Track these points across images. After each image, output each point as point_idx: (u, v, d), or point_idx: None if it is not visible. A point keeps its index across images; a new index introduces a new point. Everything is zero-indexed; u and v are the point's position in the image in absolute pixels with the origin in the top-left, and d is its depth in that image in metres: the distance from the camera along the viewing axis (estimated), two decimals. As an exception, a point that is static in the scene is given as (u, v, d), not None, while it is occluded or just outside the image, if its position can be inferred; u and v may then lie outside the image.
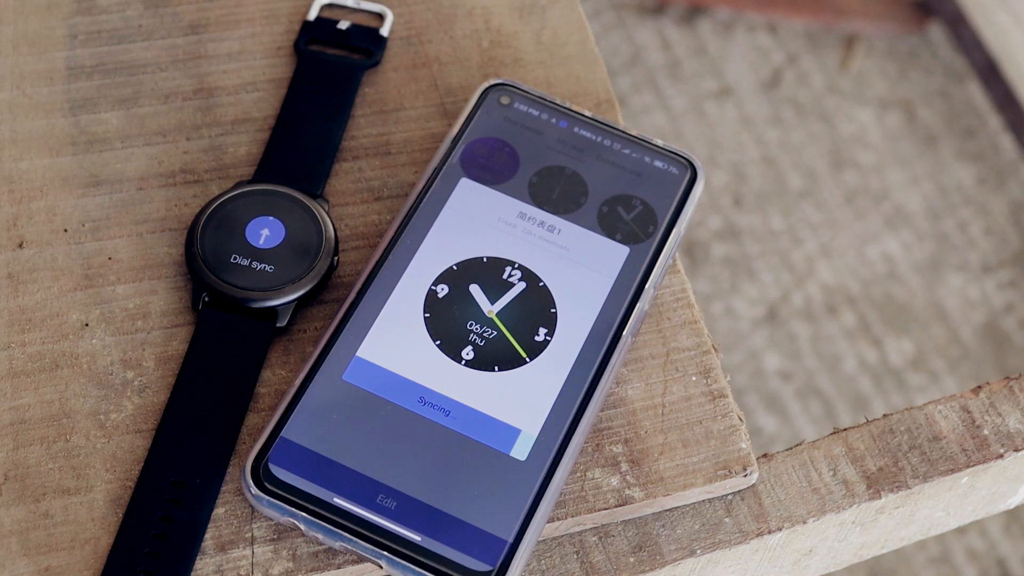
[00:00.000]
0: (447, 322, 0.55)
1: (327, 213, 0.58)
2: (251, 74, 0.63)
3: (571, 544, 0.54)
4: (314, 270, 0.56)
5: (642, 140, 0.61)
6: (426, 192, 0.58)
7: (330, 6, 0.65)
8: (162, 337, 0.56)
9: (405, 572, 0.50)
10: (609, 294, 0.56)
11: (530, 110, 0.61)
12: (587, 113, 0.61)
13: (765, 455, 0.57)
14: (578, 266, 0.57)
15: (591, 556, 0.53)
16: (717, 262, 0.64)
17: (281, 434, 0.52)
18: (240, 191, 0.58)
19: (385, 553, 0.50)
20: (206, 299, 0.56)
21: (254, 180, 0.59)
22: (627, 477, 0.54)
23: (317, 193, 0.59)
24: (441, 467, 0.51)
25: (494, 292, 0.56)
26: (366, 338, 0.54)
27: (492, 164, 0.60)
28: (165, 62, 0.63)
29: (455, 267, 0.57)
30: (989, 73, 0.71)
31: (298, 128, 0.60)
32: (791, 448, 0.58)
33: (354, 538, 0.50)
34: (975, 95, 0.73)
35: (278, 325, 0.55)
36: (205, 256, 0.56)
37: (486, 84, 0.62)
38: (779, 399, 0.60)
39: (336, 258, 0.57)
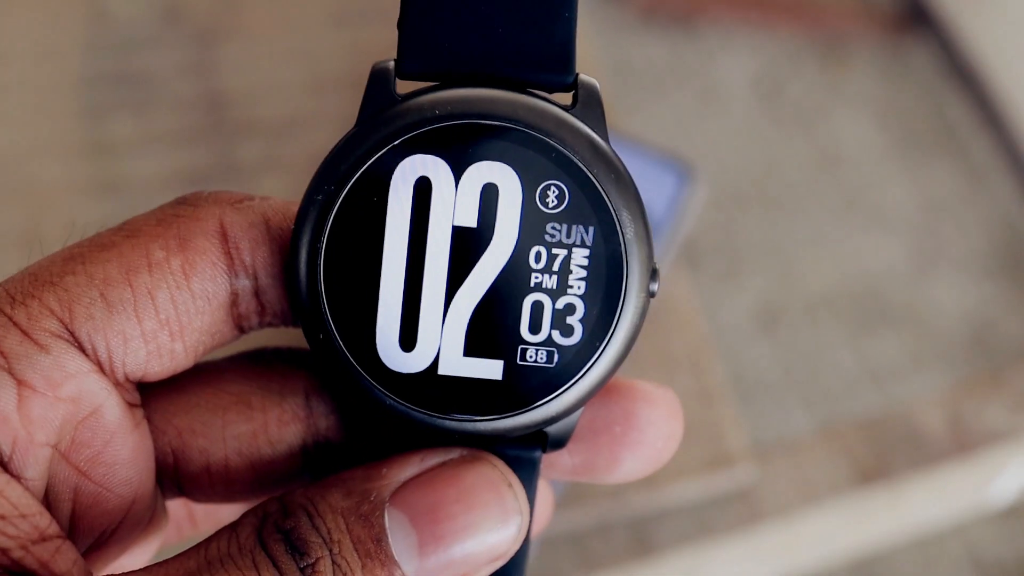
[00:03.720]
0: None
1: None
2: (262, 81, 0.64)
3: (570, 541, 0.55)
4: None
5: (639, 143, 0.62)
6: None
7: None
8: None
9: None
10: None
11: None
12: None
13: (758, 452, 0.58)
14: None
15: (590, 552, 0.54)
16: (714, 263, 0.65)
17: None
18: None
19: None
20: None
21: None
22: (626, 474, 0.55)
23: None
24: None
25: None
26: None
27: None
28: (177, 70, 0.64)
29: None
30: (977, 80, 0.73)
31: None
32: (784, 445, 0.59)
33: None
34: (963, 100, 0.74)
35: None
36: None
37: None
38: (774, 397, 0.61)
39: None
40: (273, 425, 0.29)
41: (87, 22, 0.65)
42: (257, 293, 0.28)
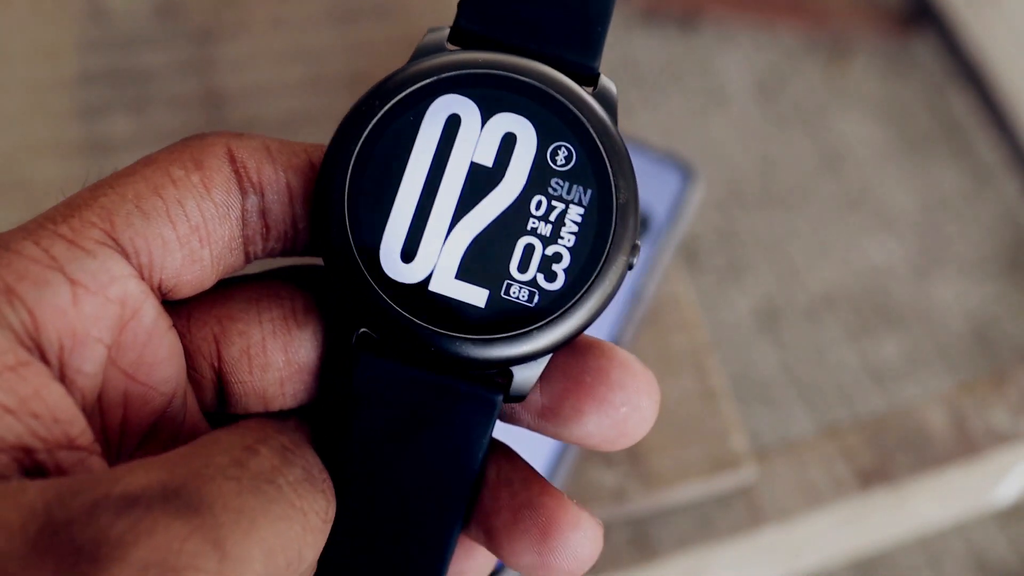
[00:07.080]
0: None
1: None
2: (261, 79, 0.64)
3: (571, 539, 0.54)
4: None
5: (640, 142, 0.62)
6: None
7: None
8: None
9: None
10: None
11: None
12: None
13: (760, 453, 0.58)
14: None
15: (591, 551, 0.54)
16: (715, 262, 0.65)
17: None
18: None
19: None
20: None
21: None
22: (625, 474, 0.55)
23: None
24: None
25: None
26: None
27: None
28: (175, 68, 0.64)
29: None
30: (980, 78, 0.72)
31: None
32: (786, 446, 0.59)
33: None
34: (967, 100, 0.74)
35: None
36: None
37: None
38: (775, 398, 0.61)
39: None
40: (300, 311, 0.32)
41: (83, 20, 0.65)
42: (263, 212, 0.31)
